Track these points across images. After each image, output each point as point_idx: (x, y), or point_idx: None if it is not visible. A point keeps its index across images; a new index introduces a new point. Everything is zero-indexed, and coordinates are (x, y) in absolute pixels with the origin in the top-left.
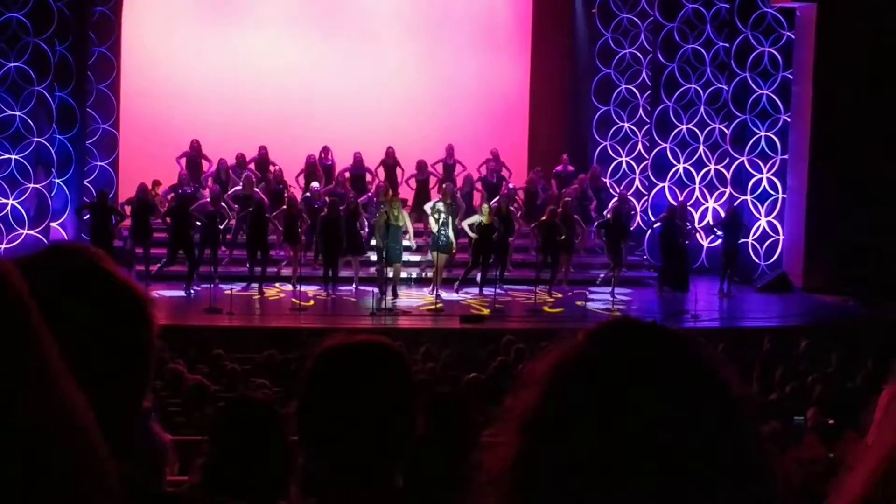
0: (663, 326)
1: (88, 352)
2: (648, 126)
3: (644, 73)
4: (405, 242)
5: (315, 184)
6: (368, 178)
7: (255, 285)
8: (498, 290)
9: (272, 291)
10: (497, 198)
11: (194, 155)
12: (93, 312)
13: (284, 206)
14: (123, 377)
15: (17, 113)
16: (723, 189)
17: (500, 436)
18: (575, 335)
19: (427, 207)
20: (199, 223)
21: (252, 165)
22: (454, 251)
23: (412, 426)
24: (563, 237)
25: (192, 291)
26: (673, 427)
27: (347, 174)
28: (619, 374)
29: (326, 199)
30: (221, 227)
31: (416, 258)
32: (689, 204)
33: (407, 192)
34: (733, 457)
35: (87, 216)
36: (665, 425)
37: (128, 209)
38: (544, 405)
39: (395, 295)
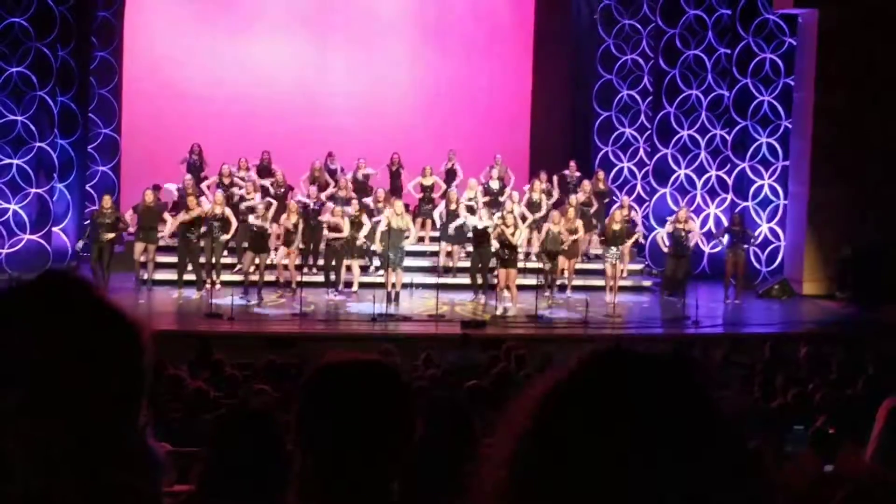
0: (655, 355)
1: (82, 379)
2: (650, 132)
3: (645, 79)
4: (407, 246)
5: (313, 188)
6: (370, 182)
7: (253, 291)
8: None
9: (272, 297)
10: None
11: (195, 160)
12: (85, 341)
13: (285, 212)
14: (118, 403)
15: (19, 117)
16: (724, 195)
17: (493, 463)
18: (567, 363)
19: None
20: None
21: (255, 170)
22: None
23: (408, 440)
24: (563, 244)
25: (203, 291)
26: (665, 458)
27: (350, 179)
28: (610, 406)
29: (324, 202)
30: (228, 235)
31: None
32: (690, 210)
33: (408, 198)
34: (726, 488)
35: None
36: (657, 456)
37: (132, 217)
38: (535, 434)
39: (396, 300)
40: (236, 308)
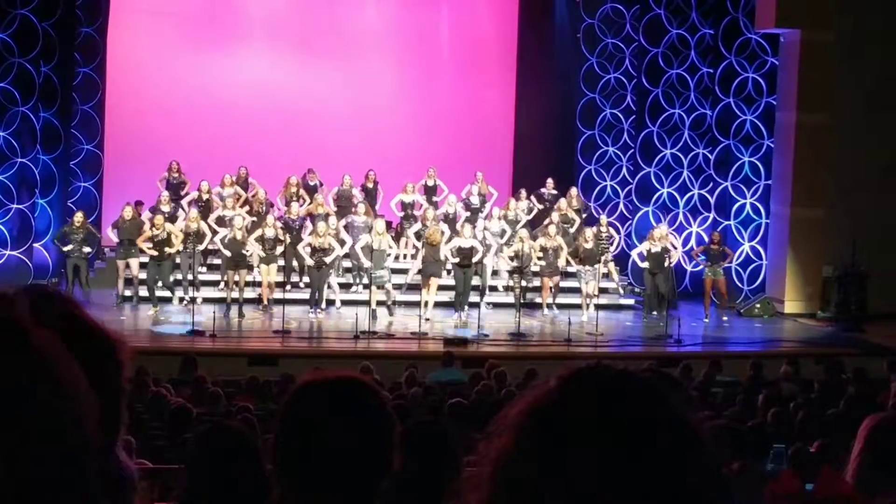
0: (634, 373)
1: (59, 395)
2: (633, 150)
3: (629, 98)
4: (390, 264)
5: (294, 204)
6: (353, 199)
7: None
8: (482, 313)
9: (255, 314)
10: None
11: (175, 177)
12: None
13: (262, 228)
14: (94, 419)
15: (1, 133)
16: (706, 214)
17: (475, 481)
18: (547, 381)
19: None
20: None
21: (235, 186)
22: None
23: (388, 462)
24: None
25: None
26: (641, 477)
27: (331, 197)
28: (588, 424)
29: (304, 219)
30: (202, 246)
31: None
32: (672, 228)
33: (389, 215)
34: None
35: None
36: (632, 475)
37: (114, 233)
38: (515, 453)
39: (374, 317)
40: (218, 325)
